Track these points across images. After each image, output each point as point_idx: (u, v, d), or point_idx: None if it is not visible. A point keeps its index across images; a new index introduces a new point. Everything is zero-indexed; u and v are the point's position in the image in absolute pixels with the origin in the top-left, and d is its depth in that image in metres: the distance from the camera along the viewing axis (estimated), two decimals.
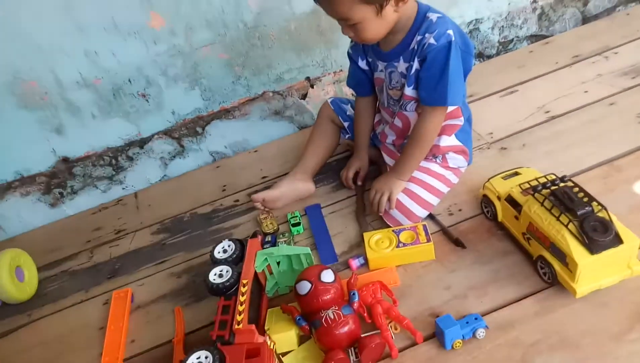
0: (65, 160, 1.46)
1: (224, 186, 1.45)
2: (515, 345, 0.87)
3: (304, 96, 1.57)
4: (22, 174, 1.44)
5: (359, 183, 1.27)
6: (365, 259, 1.08)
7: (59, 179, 1.47)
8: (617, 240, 0.86)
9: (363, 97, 1.23)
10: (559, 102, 1.39)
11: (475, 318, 0.90)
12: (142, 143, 1.49)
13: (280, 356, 0.92)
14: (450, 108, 1.10)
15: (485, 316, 0.91)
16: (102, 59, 1.34)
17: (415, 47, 1.02)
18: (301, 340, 0.96)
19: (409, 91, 1.08)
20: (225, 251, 1.03)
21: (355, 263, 1.07)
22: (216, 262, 1.00)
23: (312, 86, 1.56)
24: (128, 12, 1.30)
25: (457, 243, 1.08)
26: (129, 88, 1.40)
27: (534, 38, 1.70)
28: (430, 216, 1.15)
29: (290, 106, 1.57)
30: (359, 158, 1.27)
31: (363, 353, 0.87)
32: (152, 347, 1.04)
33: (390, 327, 0.94)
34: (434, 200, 1.13)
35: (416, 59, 1.02)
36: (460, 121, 1.14)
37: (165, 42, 1.37)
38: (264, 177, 1.43)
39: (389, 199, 1.09)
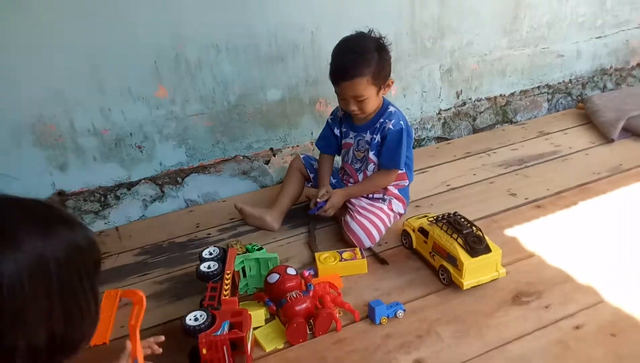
0: (60, 193, 1.70)
1: (197, 224, 1.75)
2: (423, 320, 1.23)
3: (267, 162, 1.97)
4: None
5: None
6: (316, 271, 1.42)
7: None
8: (488, 249, 1.30)
9: (327, 155, 1.68)
10: (457, 180, 1.90)
11: (397, 304, 1.26)
12: (130, 185, 1.79)
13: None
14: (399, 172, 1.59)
15: (404, 305, 1.26)
16: (113, 114, 1.68)
17: (378, 126, 1.54)
18: (266, 322, 1.24)
19: (371, 156, 1.57)
20: (210, 253, 1.33)
21: (307, 272, 1.40)
22: (204, 260, 1.30)
23: (274, 155, 1.98)
24: (141, 82, 1.69)
25: (383, 261, 1.46)
26: (129, 140, 1.74)
27: (439, 139, 2.28)
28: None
29: (255, 169, 1.96)
30: (325, 186, 1.61)
31: (316, 321, 1.19)
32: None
33: (337, 311, 1.26)
34: (383, 229, 1.55)
35: (379, 135, 1.54)
36: (405, 183, 1.64)
37: (165, 108, 1.75)
38: (232, 218, 1.75)
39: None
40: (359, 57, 1.42)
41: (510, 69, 2.32)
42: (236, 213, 1.79)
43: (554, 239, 1.50)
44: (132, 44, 1.62)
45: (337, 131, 1.65)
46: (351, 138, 1.62)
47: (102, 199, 1.77)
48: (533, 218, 1.62)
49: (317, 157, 1.75)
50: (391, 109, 1.55)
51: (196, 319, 1.09)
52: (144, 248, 1.64)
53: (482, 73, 2.27)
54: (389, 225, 1.58)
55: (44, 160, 1.65)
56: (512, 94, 2.38)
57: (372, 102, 1.49)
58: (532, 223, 1.60)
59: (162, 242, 1.66)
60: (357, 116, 1.54)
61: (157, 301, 1.37)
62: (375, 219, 1.54)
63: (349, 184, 1.66)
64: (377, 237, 1.53)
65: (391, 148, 1.52)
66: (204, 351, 1.04)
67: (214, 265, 1.27)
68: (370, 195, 1.61)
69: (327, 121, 1.68)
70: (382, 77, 1.47)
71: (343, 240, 1.56)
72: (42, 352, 0.58)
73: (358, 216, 1.53)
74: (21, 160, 1.61)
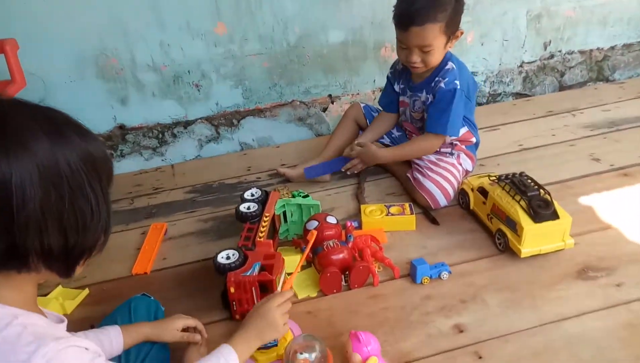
0: (121, 127, 1.75)
1: (249, 167, 1.73)
2: (469, 285, 1.12)
3: (324, 109, 1.89)
4: None
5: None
6: (360, 223, 1.34)
7: (112, 142, 1.75)
8: (555, 215, 1.14)
9: (388, 113, 1.55)
10: (531, 140, 1.70)
11: (442, 265, 1.15)
12: (186, 124, 1.79)
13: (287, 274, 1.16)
14: (448, 138, 1.41)
15: (450, 267, 1.16)
16: (172, 50, 1.67)
17: (433, 85, 1.37)
18: (303, 269, 1.20)
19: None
20: (252, 195, 1.30)
21: (350, 223, 1.32)
22: (245, 200, 1.27)
23: (332, 102, 1.88)
24: (201, 18, 1.65)
25: (433, 221, 1.35)
26: (187, 78, 1.72)
27: (518, 95, 2.05)
28: (415, 201, 1.42)
29: (312, 116, 1.88)
30: (362, 141, 1.49)
31: (352, 273, 1.12)
32: (178, 264, 1.28)
33: (376, 266, 1.18)
34: (456, 186, 1.40)
35: (432, 94, 1.37)
36: (473, 140, 1.48)
37: (223, 46, 1.71)
38: (283, 164, 1.70)
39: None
40: None
41: (613, 17, 2.01)
42: (288, 160, 1.74)
43: (638, 212, 1.30)
44: None
45: (396, 87, 1.50)
46: (407, 97, 1.47)
47: (160, 136, 1.79)
48: (616, 187, 1.41)
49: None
50: (449, 66, 1.35)
51: (228, 257, 1.07)
52: (194, 186, 1.65)
53: (578, 21, 1.98)
54: (460, 181, 1.43)
55: (106, 93, 1.69)
56: (613, 47, 2.07)
57: (438, 55, 1.31)
58: (614, 192, 1.39)
59: (213, 182, 1.66)
60: (417, 71, 1.36)
61: (200, 238, 1.38)
62: (448, 176, 1.40)
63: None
64: (452, 194, 1.39)
65: (439, 109, 1.35)
66: (232, 290, 1.02)
67: (253, 206, 1.23)
68: (438, 149, 1.44)
69: (387, 76, 1.53)
70: (454, 26, 1.29)
71: (408, 195, 1.45)
72: (55, 255, 0.58)
73: (430, 173, 1.40)
74: (85, 92, 1.66)
